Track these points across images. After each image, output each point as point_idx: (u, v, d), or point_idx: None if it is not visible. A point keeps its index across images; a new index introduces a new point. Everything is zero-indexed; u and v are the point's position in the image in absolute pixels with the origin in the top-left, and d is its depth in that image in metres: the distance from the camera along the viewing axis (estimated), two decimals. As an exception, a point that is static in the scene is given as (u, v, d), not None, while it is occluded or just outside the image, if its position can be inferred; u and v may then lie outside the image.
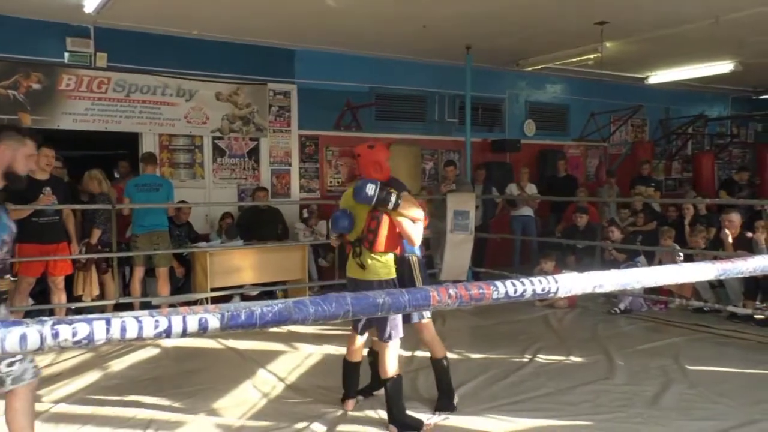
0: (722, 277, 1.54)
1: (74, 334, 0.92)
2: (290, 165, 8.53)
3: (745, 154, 13.57)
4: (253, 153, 8.25)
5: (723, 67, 9.22)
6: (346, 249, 3.80)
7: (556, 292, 1.24)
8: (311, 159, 8.71)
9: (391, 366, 3.58)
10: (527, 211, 9.02)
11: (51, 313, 5.77)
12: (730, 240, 6.32)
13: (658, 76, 10.21)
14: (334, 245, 4.29)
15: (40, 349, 0.92)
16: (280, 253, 7.31)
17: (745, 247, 6.15)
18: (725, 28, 7.13)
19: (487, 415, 3.85)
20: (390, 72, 9.04)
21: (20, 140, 2.75)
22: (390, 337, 3.55)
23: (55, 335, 0.91)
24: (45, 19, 6.81)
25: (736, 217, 6.42)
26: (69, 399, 4.19)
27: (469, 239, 7.07)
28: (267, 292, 7.22)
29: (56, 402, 4.12)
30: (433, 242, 7.31)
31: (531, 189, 9.06)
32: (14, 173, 2.71)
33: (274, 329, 5.30)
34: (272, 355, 5.20)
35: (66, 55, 6.98)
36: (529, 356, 5.08)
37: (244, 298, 7.08)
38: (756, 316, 6.09)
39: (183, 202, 7.15)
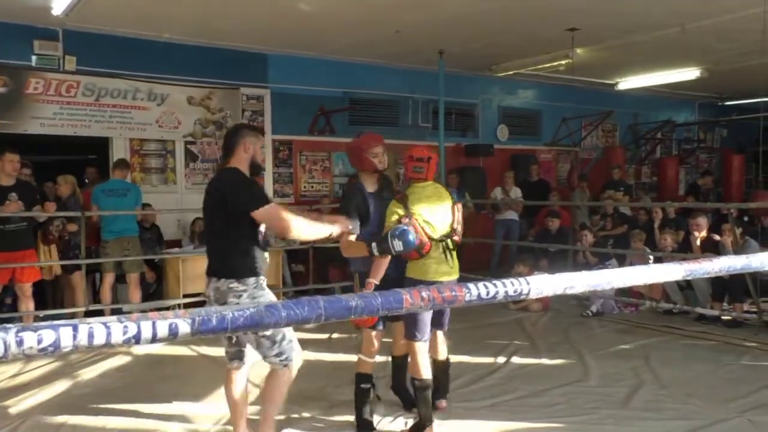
0: (689, 278, 1.57)
1: (40, 341, 0.89)
2: (264, 170, 8.47)
3: (712, 158, 13.88)
4: (226, 158, 8.17)
5: (690, 73, 9.42)
6: (423, 250, 3.36)
7: (527, 294, 1.25)
8: (285, 164, 8.66)
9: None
10: (512, 215, 9.06)
11: (17, 321, 5.64)
12: (698, 243, 6.45)
13: (627, 82, 10.39)
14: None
15: (4, 358, 0.89)
16: (253, 258, 7.23)
17: (712, 249, 6.28)
18: (691, 35, 7.31)
19: (461, 418, 3.87)
20: (363, 77, 9.05)
21: (257, 135, 3.22)
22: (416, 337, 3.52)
23: (20, 343, 0.88)
24: (11, 21, 6.67)
25: (703, 221, 6.55)
26: (37, 410, 4.08)
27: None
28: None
29: (24, 413, 4.01)
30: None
31: (515, 193, 9.13)
32: (257, 164, 3.18)
33: (248, 335, 5.22)
34: (246, 362, 5.13)
35: (33, 58, 6.85)
36: (503, 359, 5.11)
37: (218, 304, 6.99)
38: (723, 317, 6.23)
39: (147, 206, 7.03)
